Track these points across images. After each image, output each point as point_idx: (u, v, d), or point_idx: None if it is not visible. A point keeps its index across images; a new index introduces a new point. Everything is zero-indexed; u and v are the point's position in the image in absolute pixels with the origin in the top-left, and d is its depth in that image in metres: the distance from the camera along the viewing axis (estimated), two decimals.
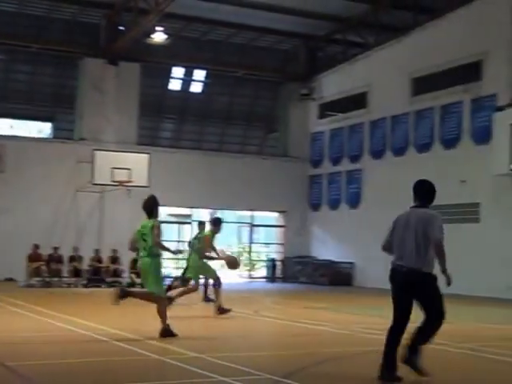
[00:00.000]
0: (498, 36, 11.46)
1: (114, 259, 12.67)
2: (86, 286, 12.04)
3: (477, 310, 8.05)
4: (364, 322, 7.09)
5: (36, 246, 12.21)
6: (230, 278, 15.36)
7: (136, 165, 12.83)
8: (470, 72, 12.02)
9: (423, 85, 13.01)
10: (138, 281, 12.52)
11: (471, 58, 11.95)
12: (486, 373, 4.42)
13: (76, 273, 12.23)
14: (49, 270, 11.99)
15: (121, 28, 13.77)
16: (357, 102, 14.55)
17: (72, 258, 12.39)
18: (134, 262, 12.70)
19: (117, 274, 12.59)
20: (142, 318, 7.52)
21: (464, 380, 4.25)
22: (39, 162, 13.47)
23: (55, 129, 16.28)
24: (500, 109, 11.25)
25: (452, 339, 5.65)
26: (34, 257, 12.10)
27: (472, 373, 4.42)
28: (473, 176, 11.64)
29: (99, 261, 12.56)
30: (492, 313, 8.19)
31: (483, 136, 11.65)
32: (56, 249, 12.40)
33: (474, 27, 11.85)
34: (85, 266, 12.39)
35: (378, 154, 14.10)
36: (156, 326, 6.33)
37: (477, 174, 11.51)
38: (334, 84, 15.22)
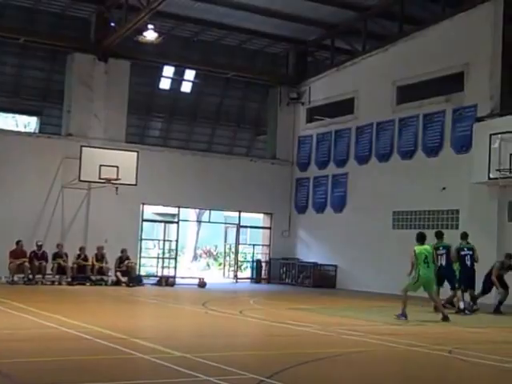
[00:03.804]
0: (480, 49, 11.74)
1: (100, 257, 12.62)
2: (70, 283, 11.97)
3: (456, 314, 8.34)
4: (346, 323, 7.22)
5: (19, 243, 12.07)
6: (215, 278, 15.43)
7: (124, 162, 12.79)
8: (452, 82, 12.28)
9: (407, 93, 13.26)
10: (124, 279, 12.51)
11: (454, 68, 12.21)
12: (463, 375, 4.56)
13: (60, 270, 12.13)
14: (32, 267, 11.86)
15: (112, 24, 13.67)
16: (344, 107, 14.72)
17: (56, 255, 12.28)
18: (120, 260, 12.70)
19: (102, 272, 12.53)
20: (126, 317, 7.54)
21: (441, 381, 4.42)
22: (25, 157, 13.29)
23: (42, 123, 16.10)
24: (480, 119, 11.56)
25: (429, 341, 5.85)
26: (16, 253, 11.96)
27: (450, 375, 4.58)
28: (453, 183, 11.96)
29: (84, 258, 12.48)
30: (469, 317, 8.48)
31: (464, 145, 11.94)
32: (40, 245, 12.28)
33: (458, 39, 12.12)
34: (69, 263, 12.30)
35: (363, 160, 14.30)
36: (140, 324, 6.33)
37: (457, 182, 11.83)
38: (322, 89, 15.37)
